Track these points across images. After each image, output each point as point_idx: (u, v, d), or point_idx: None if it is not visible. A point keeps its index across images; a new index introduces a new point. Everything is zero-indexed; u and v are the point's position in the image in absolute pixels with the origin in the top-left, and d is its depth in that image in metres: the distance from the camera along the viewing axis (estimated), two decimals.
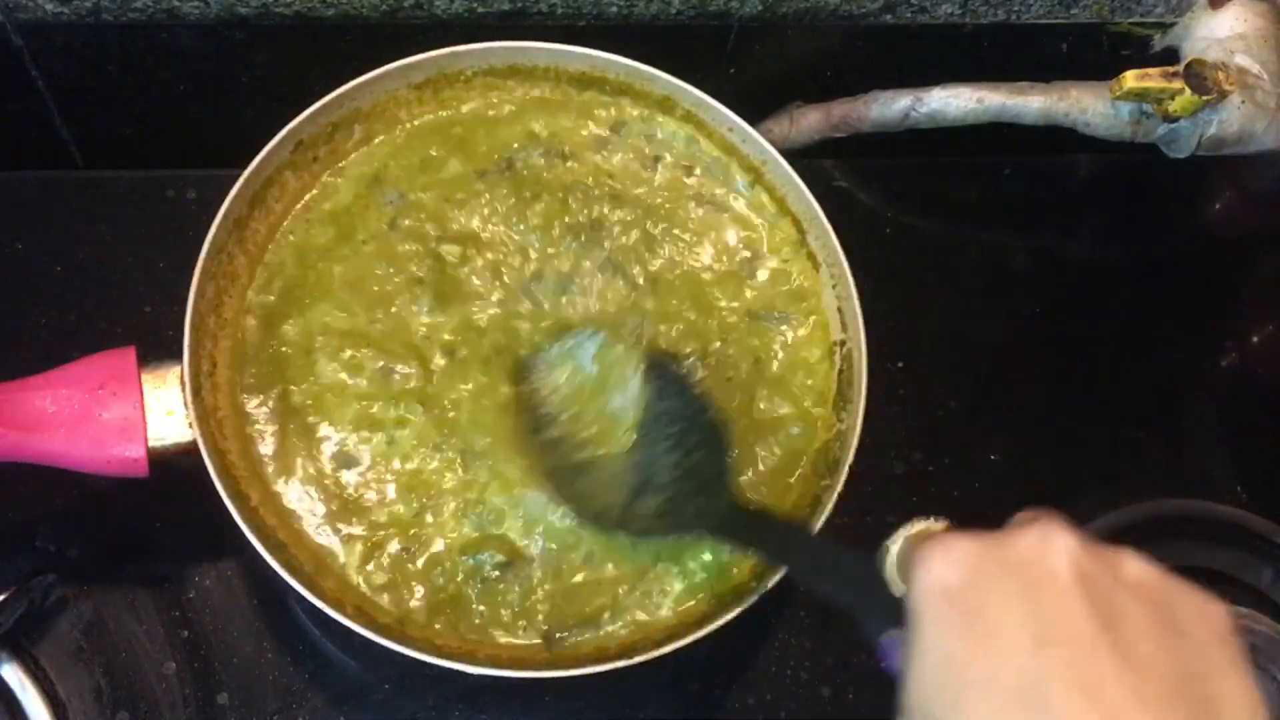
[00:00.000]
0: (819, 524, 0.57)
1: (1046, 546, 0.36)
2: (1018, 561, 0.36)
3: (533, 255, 0.65)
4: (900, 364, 0.72)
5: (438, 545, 0.59)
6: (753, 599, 0.56)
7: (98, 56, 0.72)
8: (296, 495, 0.60)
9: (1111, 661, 0.33)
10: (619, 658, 0.56)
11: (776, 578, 0.56)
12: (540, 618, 0.59)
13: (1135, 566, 0.37)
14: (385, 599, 0.58)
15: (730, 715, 0.64)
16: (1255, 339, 0.81)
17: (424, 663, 0.54)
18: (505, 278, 0.64)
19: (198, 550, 0.64)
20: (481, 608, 0.59)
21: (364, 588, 0.58)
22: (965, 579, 0.36)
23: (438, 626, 0.58)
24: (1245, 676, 0.34)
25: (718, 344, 0.65)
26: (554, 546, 0.59)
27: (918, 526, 0.45)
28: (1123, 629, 0.34)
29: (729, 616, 0.55)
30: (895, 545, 0.45)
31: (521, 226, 0.65)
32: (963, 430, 0.73)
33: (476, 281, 0.64)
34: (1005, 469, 0.72)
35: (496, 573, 0.59)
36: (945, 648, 0.36)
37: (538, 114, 0.68)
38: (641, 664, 0.55)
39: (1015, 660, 0.34)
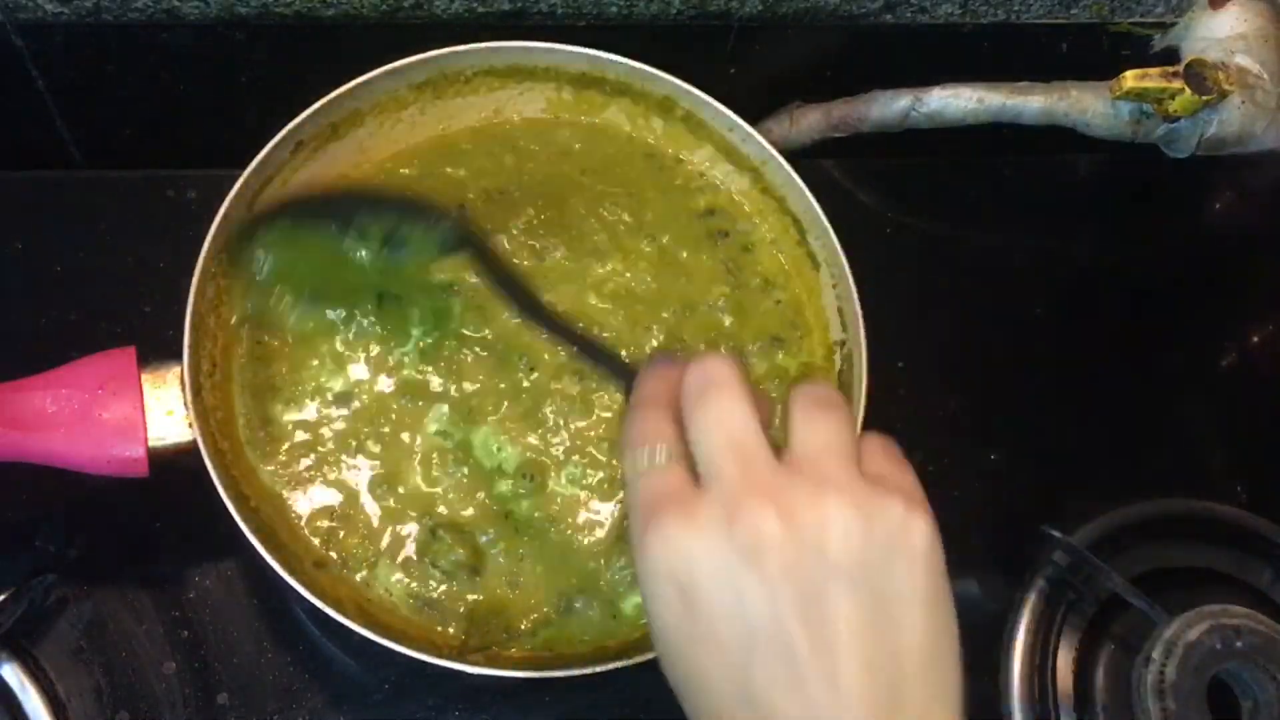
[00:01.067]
0: None
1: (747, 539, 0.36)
2: (739, 542, 0.36)
3: None
4: (900, 364, 0.72)
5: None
6: None
7: (98, 56, 0.72)
8: (297, 495, 0.60)
9: (813, 662, 0.35)
10: (619, 658, 0.56)
11: None
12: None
13: (839, 533, 0.37)
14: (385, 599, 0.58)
15: None
16: (1255, 339, 0.81)
17: (424, 663, 0.54)
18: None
19: (198, 550, 0.64)
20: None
21: (364, 587, 0.58)
22: (692, 577, 0.37)
23: (440, 628, 0.58)
24: (926, 608, 0.37)
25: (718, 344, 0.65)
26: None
27: None
28: (824, 620, 0.35)
29: None
30: None
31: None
32: (963, 430, 0.73)
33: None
34: (1005, 469, 0.72)
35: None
36: (669, 622, 0.37)
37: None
38: (641, 664, 0.55)
39: (729, 660, 0.36)
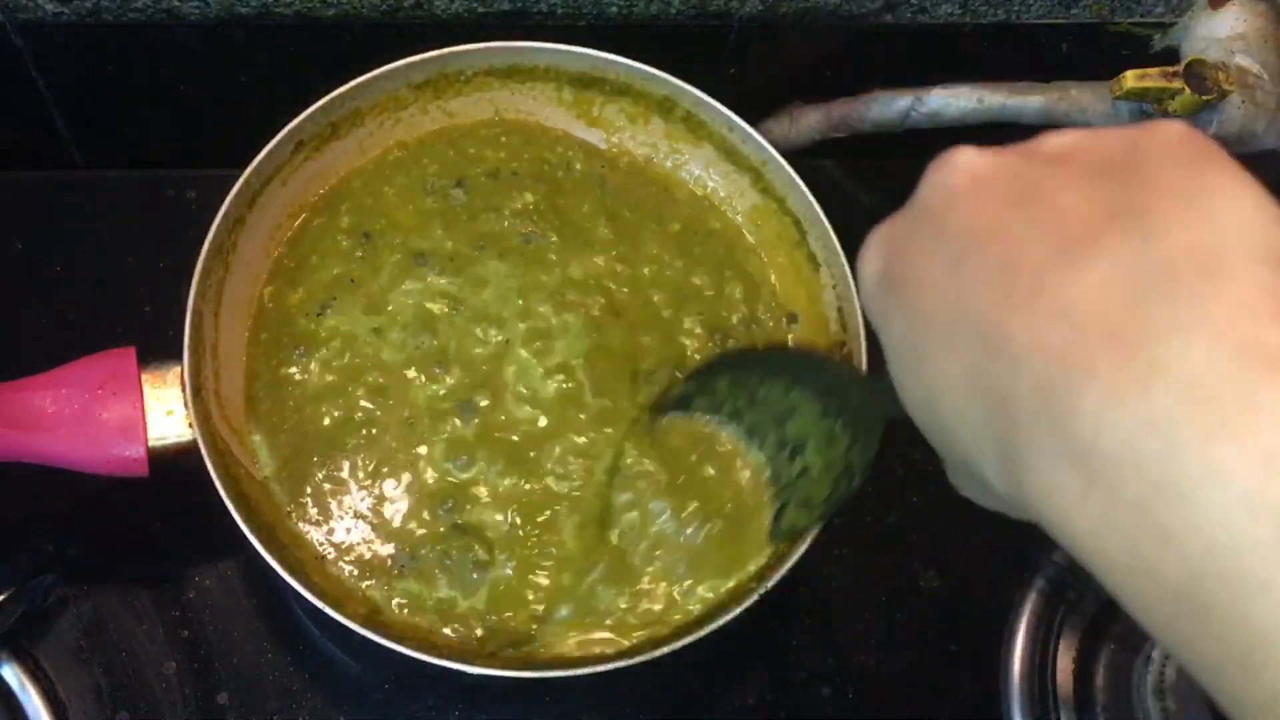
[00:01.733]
0: (815, 526, 0.57)
1: (944, 175, 0.33)
2: (923, 211, 0.33)
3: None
4: None
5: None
6: (753, 599, 0.56)
7: (98, 56, 0.72)
8: (297, 495, 0.60)
9: (1022, 233, 0.30)
10: (619, 658, 0.56)
11: (776, 578, 0.56)
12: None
13: (1056, 138, 0.33)
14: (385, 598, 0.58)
15: (730, 715, 0.64)
16: None
17: (424, 663, 0.54)
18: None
19: (198, 550, 0.64)
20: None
21: (364, 588, 0.58)
22: (887, 260, 0.35)
23: (442, 628, 0.58)
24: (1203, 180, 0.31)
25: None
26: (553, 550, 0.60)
27: None
28: (1037, 195, 0.31)
29: (729, 617, 0.55)
30: None
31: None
32: None
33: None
34: None
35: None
36: (892, 331, 0.34)
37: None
38: (641, 664, 0.55)
39: (935, 296, 0.32)
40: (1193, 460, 0.26)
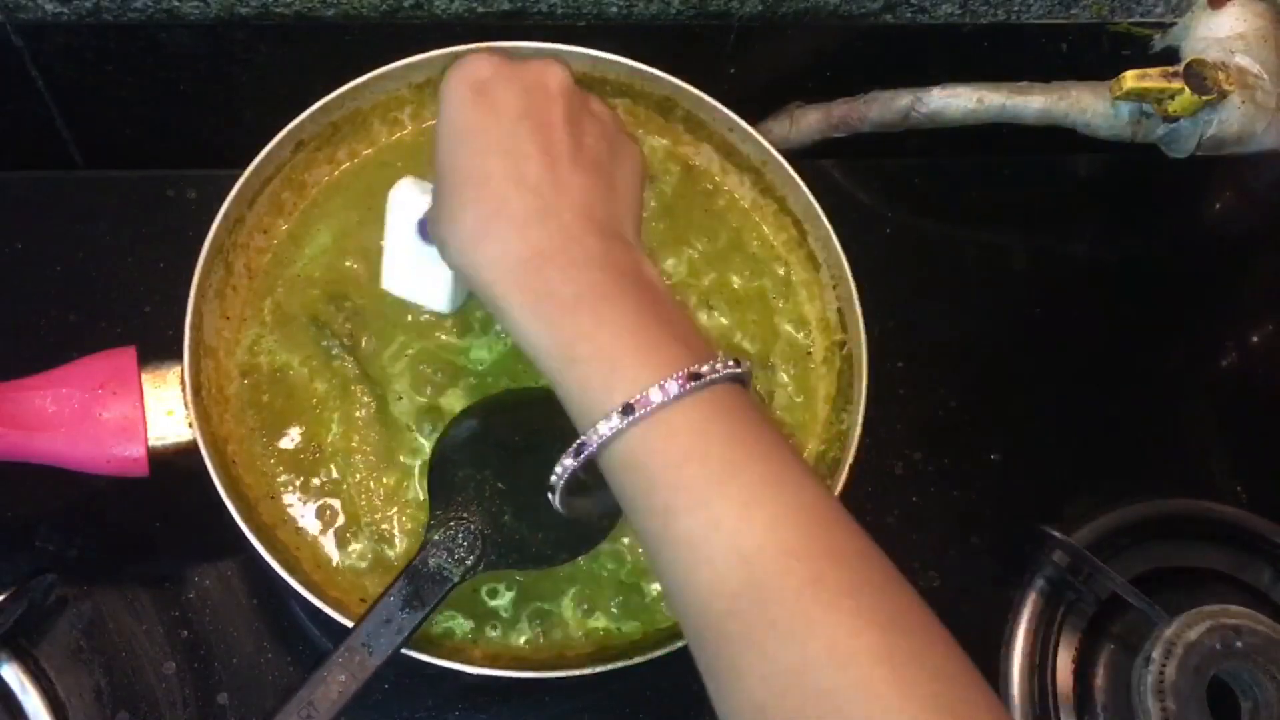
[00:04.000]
0: None
1: (547, 72, 0.51)
2: (526, 76, 0.51)
3: None
4: (900, 364, 0.72)
5: None
6: None
7: (98, 56, 0.72)
8: (296, 495, 0.60)
9: (566, 138, 0.50)
10: (619, 658, 0.56)
11: None
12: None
13: (602, 108, 0.53)
14: None
15: None
16: (1255, 339, 0.81)
17: (424, 663, 0.54)
18: None
19: (198, 550, 0.64)
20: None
21: (364, 587, 0.58)
22: (487, 76, 0.50)
23: (444, 627, 0.58)
24: (635, 179, 0.52)
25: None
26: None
27: None
28: (577, 125, 0.51)
29: None
30: None
31: None
32: (963, 430, 0.73)
33: None
34: (1005, 469, 0.72)
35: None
36: (464, 117, 0.50)
37: None
38: (641, 664, 0.55)
39: (505, 125, 0.49)
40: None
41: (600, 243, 0.48)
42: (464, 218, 0.49)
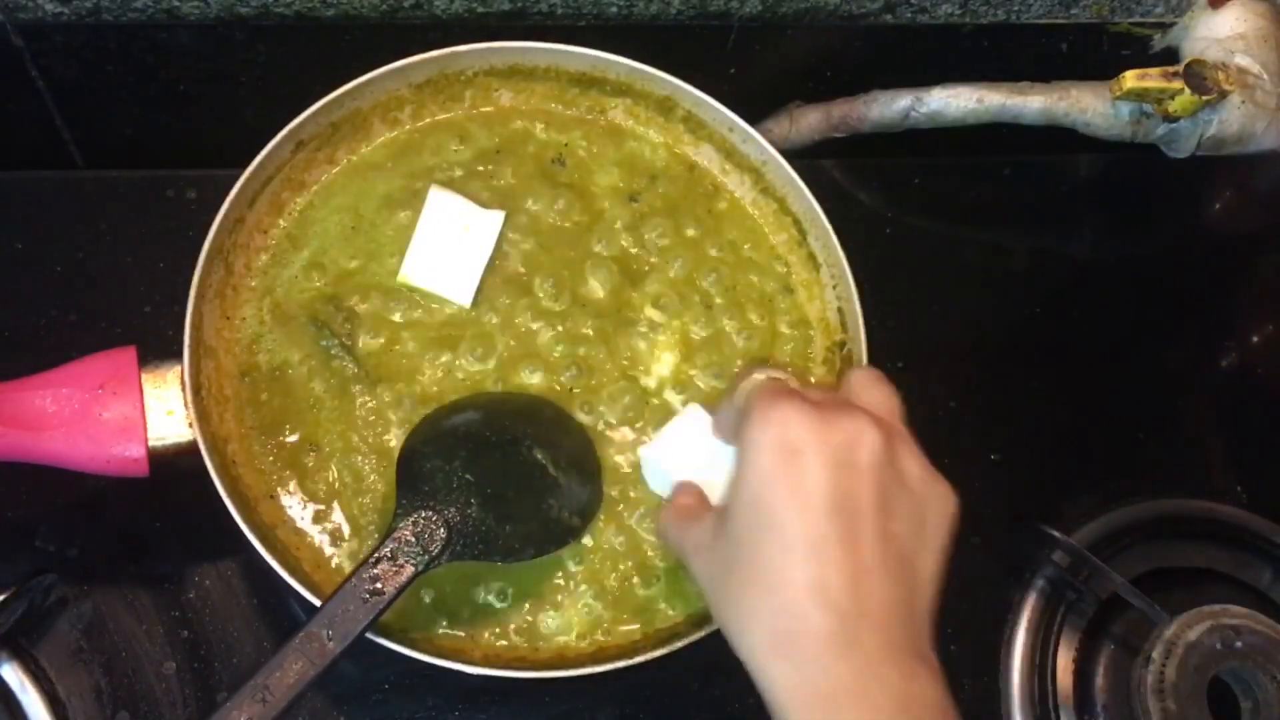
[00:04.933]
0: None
1: (859, 438, 0.47)
2: (837, 443, 0.47)
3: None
4: (900, 364, 0.72)
5: None
6: None
7: (98, 56, 0.72)
8: (296, 496, 0.60)
9: (872, 531, 0.46)
10: (619, 658, 0.56)
11: None
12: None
13: (913, 464, 0.49)
14: None
15: (731, 715, 0.64)
16: (1255, 339, 0.81)
17: (424, 663, 0.54)
18: None
19: (198, 550, 0.64)
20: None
21: None
22: (798, 441, 0.47)
23: (444, 627, 0.58)
24: (940, 550, 0.49)
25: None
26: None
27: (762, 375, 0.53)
28: (886, 509, 0.47)
29: None
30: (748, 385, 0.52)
31: None
32: (963, 430, 0.73)
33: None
34: (1005, 469, 0.72)
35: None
36: (770, 494, 0.47)
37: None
38: (641, 664, 0.55)
39: (812, 516, 0.46)
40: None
41: (901, 679, 0.45)
42: (757, 625, 0.46)
